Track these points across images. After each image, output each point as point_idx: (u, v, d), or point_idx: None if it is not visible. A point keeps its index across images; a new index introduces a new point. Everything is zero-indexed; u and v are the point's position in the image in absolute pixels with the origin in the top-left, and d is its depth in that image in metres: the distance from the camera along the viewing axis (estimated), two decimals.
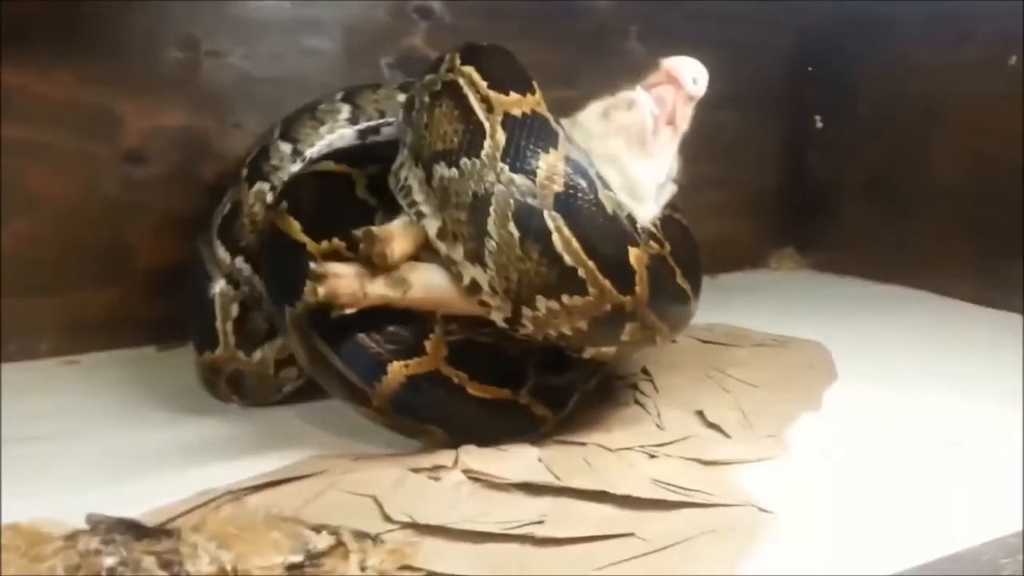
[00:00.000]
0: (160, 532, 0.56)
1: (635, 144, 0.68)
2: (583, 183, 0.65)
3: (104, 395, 0.91)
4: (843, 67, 1.35)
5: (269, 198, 0.84)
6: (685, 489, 0.63)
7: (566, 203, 0.64)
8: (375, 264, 0.64)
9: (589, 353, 0.71)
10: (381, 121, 0.88)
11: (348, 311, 0.64)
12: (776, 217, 1.46)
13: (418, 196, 0.67)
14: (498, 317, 0.67)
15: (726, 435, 0.74)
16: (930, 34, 1.21)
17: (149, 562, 0.52)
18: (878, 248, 1.32)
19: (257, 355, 0.83)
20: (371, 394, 0.68)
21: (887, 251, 1.31)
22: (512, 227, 0.63)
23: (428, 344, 0.69)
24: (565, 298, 0.65)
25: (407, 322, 0.68)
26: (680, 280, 0.73)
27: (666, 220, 0.74)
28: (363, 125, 0.88)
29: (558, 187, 0.64)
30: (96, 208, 1.03)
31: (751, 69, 1.38)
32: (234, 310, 0.83)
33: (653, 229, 0.70)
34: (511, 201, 0.63)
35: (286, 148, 0.87)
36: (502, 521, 0.59)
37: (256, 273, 0.82)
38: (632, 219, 0.68)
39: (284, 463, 0.70)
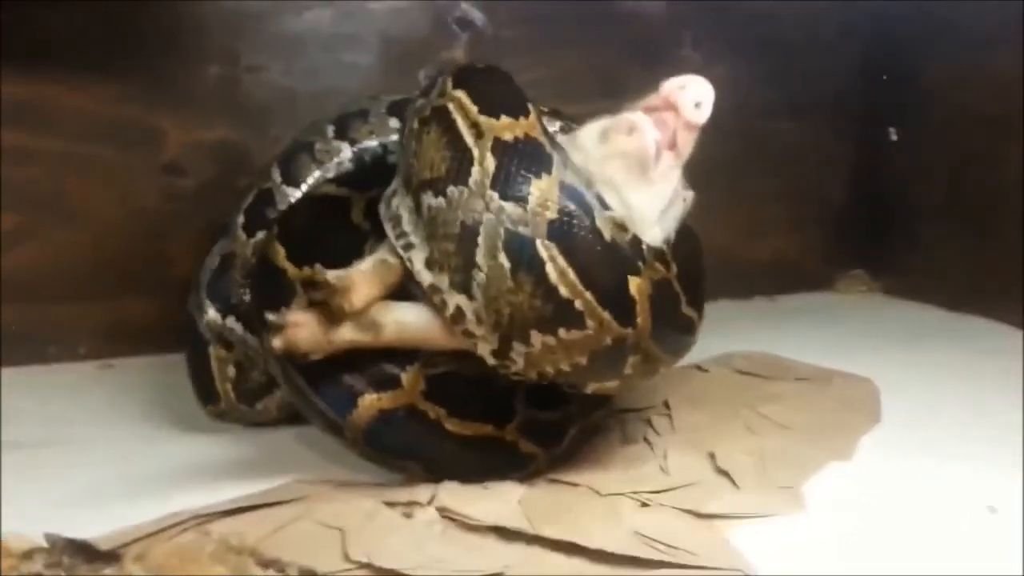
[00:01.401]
0: (111, 557, 0.55)
1: (635, 170, 0.63)
2: (579, 209, 0.60)
3: (127, 402, 0.93)
4: (919, 74, 1.24)
5: None
6: (667, 546, 0.57)
7: (560, 231, 0.60)
8: (334, 313, 0.61)
9: (591, 388, 0.67)
10: (378, 146, 0.86)
11: (313, 358, 0.62)
12: (845, 236, 1.36)
13: (407, 226, 0.64)
14: (484, 350, 0.63)
15: (735, 484, 0.68)
16: (1012, 39, 1.09)
17: None
18: (956, 273, 1.20)
19: (259, 406, 0.82)
20: (343, 426, 0.66)
21: (966, 276, 1.19)
22: (502, 258, 0.60)
23: (405, 377, 0.66)
24: (562, 332, 0.61)
25: (384, 354, 0.65)
26: (685, 308, 0.67)
27: (679, 236, 0.68)
28: (368, 159, 0.86)
29: (551, 214, 0.60)
30: (135, 219, 1.05)
31: (818, 75, 1.29)
32: (231, 371, 0.82)
33: (662, 248, 0.65)
34: (501, 230, 0.60)
35: (292, 192, 0.84)
36: (460, 570, 0.56)
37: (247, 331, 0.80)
38: (637, 241, 0.63)
39: (273, 484, 0.69)
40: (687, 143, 0.65)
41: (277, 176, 0.86)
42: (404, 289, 0.66)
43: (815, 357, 1.00)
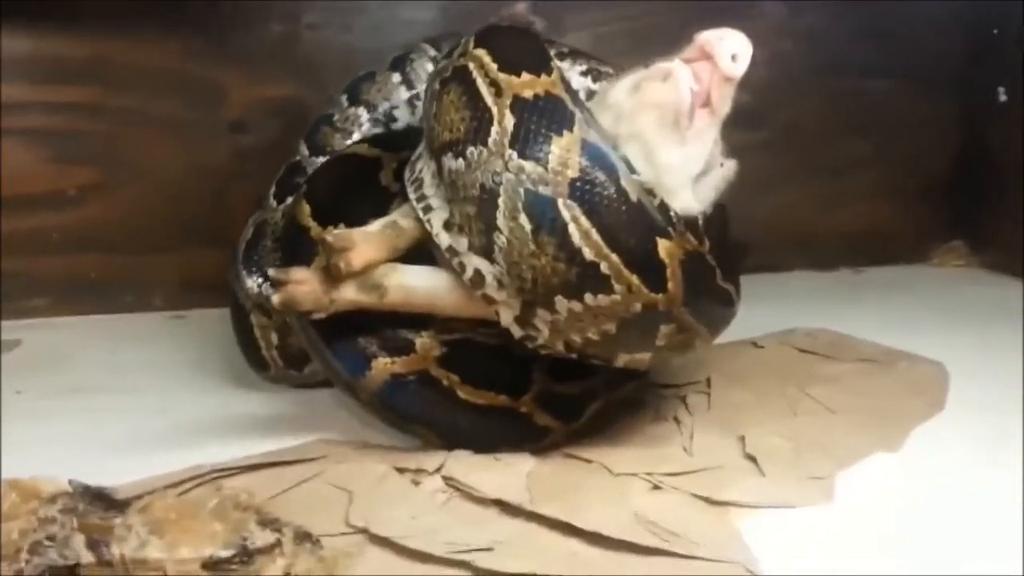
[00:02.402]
0: (125, 505, 0.57)
1: (667, 123, 0.60)
2: (602, 168, 0.58)
3: (190, 353, 0.97)
4: None
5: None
6: (668, 532, 0.54)
7: (583, 190, 0.57)
8: (334, 273, 0.60)
9: (622, 361, 0.64)
10: (390, 107, 0.85)
11: (316, 316, 0.62)
12: (943, 204, 1.25)
13: (428, 190, 0.63)
14: (507, 317, 0.61)
15: (760, 471, 0.64)
16: None
17: (79, 540, 0.53)
18: None
19: (307, 370, 0.83)
20: (357, 388, 0.66)
21: None
22: (523, 219, 0.57)
23: (419, 342, 0.65)
24: (588, 298, 0.58)
25: (401, 317, 0.65)
26: (721, 280, 0.63)
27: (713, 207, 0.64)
28: (381, 118, 0.86)
29: (573, 173, 0.57)
30: (202, 175, 1.09)
31: (918, 28, 1.18)
32: (274, 338, 0.83)
33: (694, 221, 0.62)
34: (521, 191, 0.57)
35: (320, 162, 0.85)
36: (451, 542, 0.55)
37: None
38: (665, 208, 0.59)
39: (301, 442, 0.70)
40: (722, 99, 0.61)
41: (305, 149, 0.87)
42: (428, 254, 0.65)
43: (892, 335, 0.93)
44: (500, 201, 0.58)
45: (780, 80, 1.17)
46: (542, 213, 0.57)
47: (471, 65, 0.62)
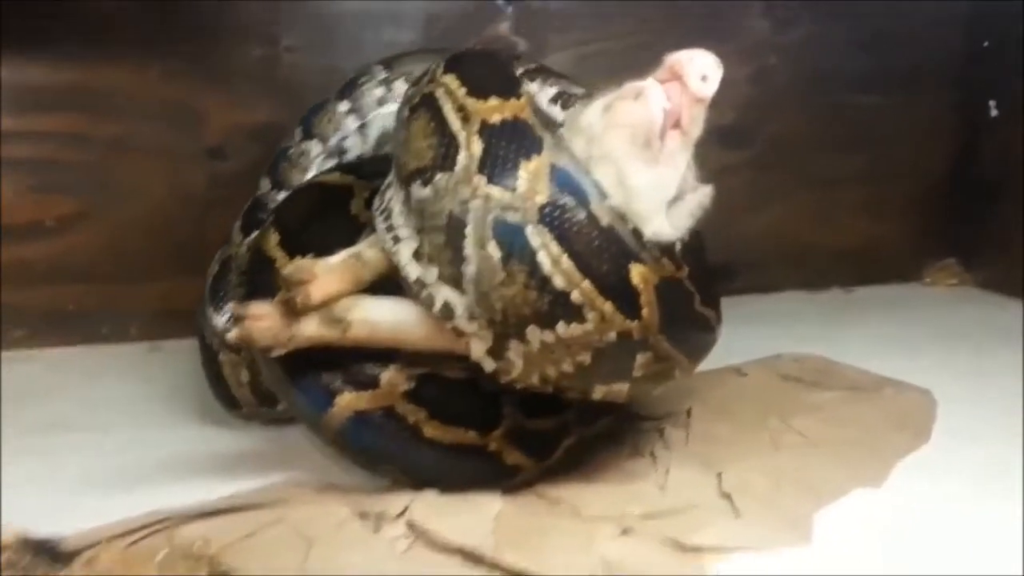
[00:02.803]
0: (72, 557, 0.56)
1: (639, 144, 0.58)
2: (572, 192, 0.56)
3: (164, 387, 0.94)
4: None
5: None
6: None
7: (552, 216, 0.56)
8: (293, 307, 0.58)
9: (599, 393, 0.62)
10: (340, 138, 0.84)
11: (276, 353, 0.60)
12: (936, 222, 1.23)
13: (397, 220, 0.62)
14: (478, 350, 0.60)
15: (735, 511, 0.62)
16: None
17: None
18: None
19: (280, 407, 0.80)
20: (320, 425, 0.64)
21: None
22: (492, 247, 0.56)
23: (385, 376, 0.63)
24: (561, 327, 0.56)
25: (366, 351, 0.62)
26: (700, 307, 0.62)
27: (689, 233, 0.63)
28: (333, 150, 0.85)
29: (542, 198, 0.56)
30: (180, 202, 1.07)
31: (911, 43, 1.16)
32: (244, 376, 0.80)
33: (671, 246, 0.60)
34: (489, 218, 0.56)
35: (267, 184, 0.85)
36: None
37: None
38: (639, 233, 0.58)
39: (267, 482, 0.68)
40: (693, 121, 0.59)
41: (266, 183, 0.86)
42: (396, 286, 0.63)
43: (882, 359, 0.92)
44: (468, 229, 0.57)
45: (765, 96, 1.16)
46: (511, 240, 0.56)
47: (439, 91, 0.61)
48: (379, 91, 0.84)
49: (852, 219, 1.22)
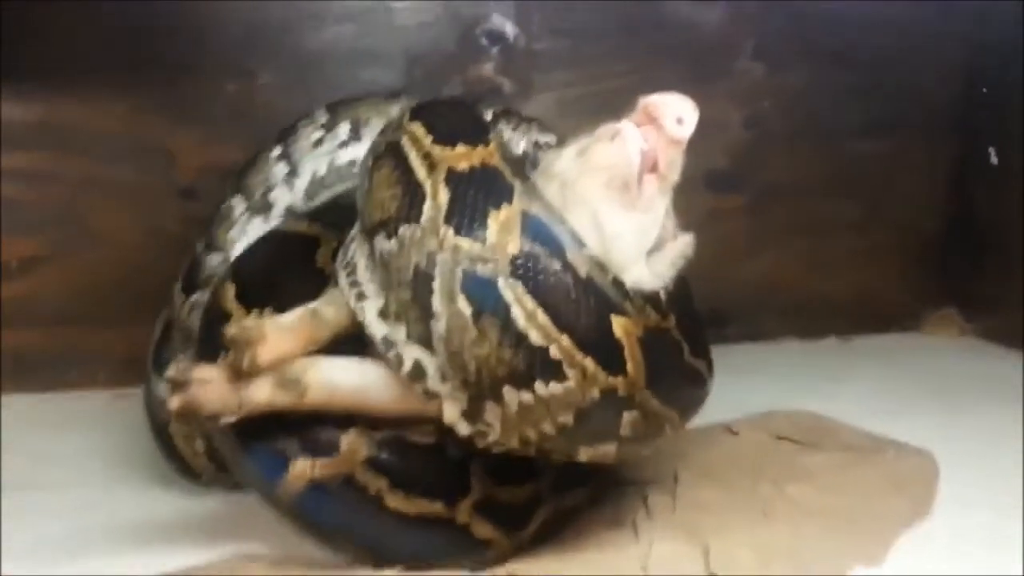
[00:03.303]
0: None
1: (616, 187, 0.55)
2: (545, 241, 0.53)
3: (125, 442, 0.90)
4: None
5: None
6: None
7: (525, 267, 0.52)
8: (241, 370, 0.54)
9: (585, 455, 0.57)
10: (264, 191, 0.79)
11: (224, 421, 0.55)
12: (935, 270, 1.19)
13: (362, 275, 0.58)
14: (452, 412, 0.55)
15: None
16: None
17: None
18: None
19: None
20: (273, 495, 0.59)
21: None
22: (462, 303, 0.52)
23: (344, 441, 0.58)
24: (539, 387, 0.52)
25: (327, 413, 0.58)
26: (689, 358, 0.58)
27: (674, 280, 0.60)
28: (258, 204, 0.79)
29: (513, 249, 0.52)
30: (154, 243, 1.03)
31: (908, 88, 1.14)
32: (200, 445, 0.74)
33: (655, 296, 0.57)
34: (458, 271, 0.52)
35: (215, 259, 0.79)
36: None
37: None
38: (619, 283, 0.55)
39: (223, 551, 0.64)
40: (670, 165, 0.57)
41: (200, 244, 0.81)
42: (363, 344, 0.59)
43: (880, 415, 0.87)
44: (436, 284, 0.53)
45: (758, 141, 1.13)
46: (482, 295, 0.52)
47: (404, 139, 0.58)
48: (316, 134, 0.79)
49: (848, 267, 1.18)
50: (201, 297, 0.75)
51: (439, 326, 0.53)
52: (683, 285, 0.62)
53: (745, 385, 1.02)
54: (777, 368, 1.10)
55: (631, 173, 0.55)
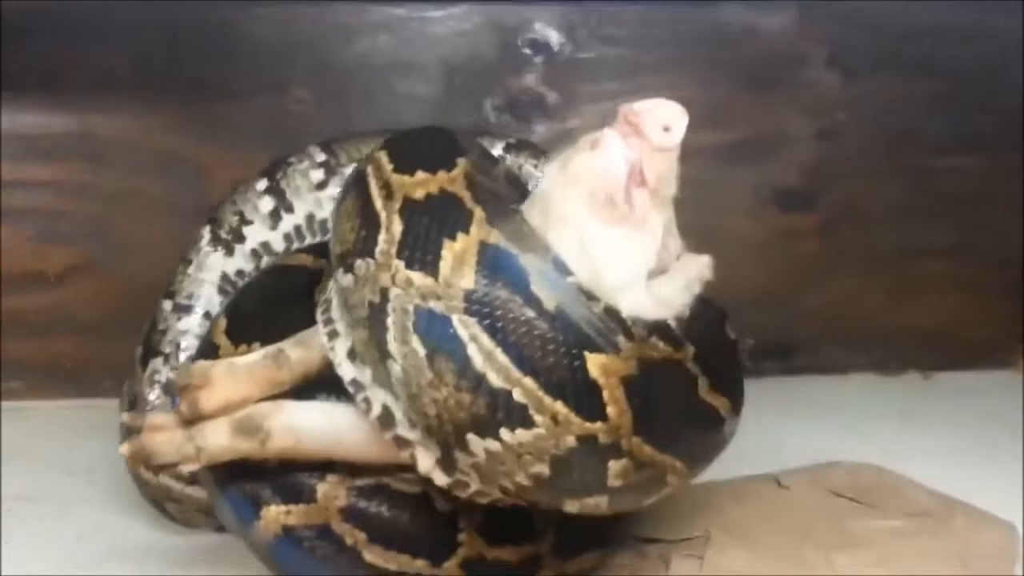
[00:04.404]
0: None
1: (600, 201, 0.50)
2: (504, 272, 0.48)
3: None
4: None
5: (163, 376, 0.73)
6: None
7: (481, 302, 0.47)
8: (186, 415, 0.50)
9: (573, 507, 0.51)
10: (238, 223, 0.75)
11: (185, 470, 0.51)
12: None
13: (335, 312, 0.54)
14: (425, 462, 0.50)
15: None
16: None
17: None
18: None
19: None
20: (248, 538, 0.55)
21: None
22: (416, 343, 0.47)
23: (321, 488, 0.53)
24: (505, 434, 0.47)
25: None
26: (706, 393, 0.52)
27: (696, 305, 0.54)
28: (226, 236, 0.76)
29: (467, 283, 0.47)
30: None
31: (997, 99, 1.02)
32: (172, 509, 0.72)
33: (662, 324, 0.51)
34: (410, 307, 0.48)
35: (167, 306, 0.77)
36: None
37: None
38: (611, 313, 0.49)
39: None
40: (660, 176, 0.51)
41: (166, 304, 0.78)
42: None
43: (960, 466, 0.79)
44: (389, 321, 0.48)
45: (833, 156, 1.04)
46: (436, 334, 0.47)
47: (368, 168, 0.54)
48: (314, 174, 0.75)
49: (932, 295, 1.07)
50: (155, 364, 0.73)
51: (395, 368, 0.48)
52: (709, 310, 0.56)
53: (808, 424, 0.95)
54: (847, 406, 1.01)
55: (615, 185, 0.50)
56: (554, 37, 0.98)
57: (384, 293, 0.48)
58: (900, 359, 1.08)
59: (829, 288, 1.07)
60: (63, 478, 0.84)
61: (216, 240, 0.76)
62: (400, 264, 0.48)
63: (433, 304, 0.47)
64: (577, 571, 0.58)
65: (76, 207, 0.99)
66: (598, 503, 0.51)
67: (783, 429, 0.92)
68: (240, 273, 0.76)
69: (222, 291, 0.74)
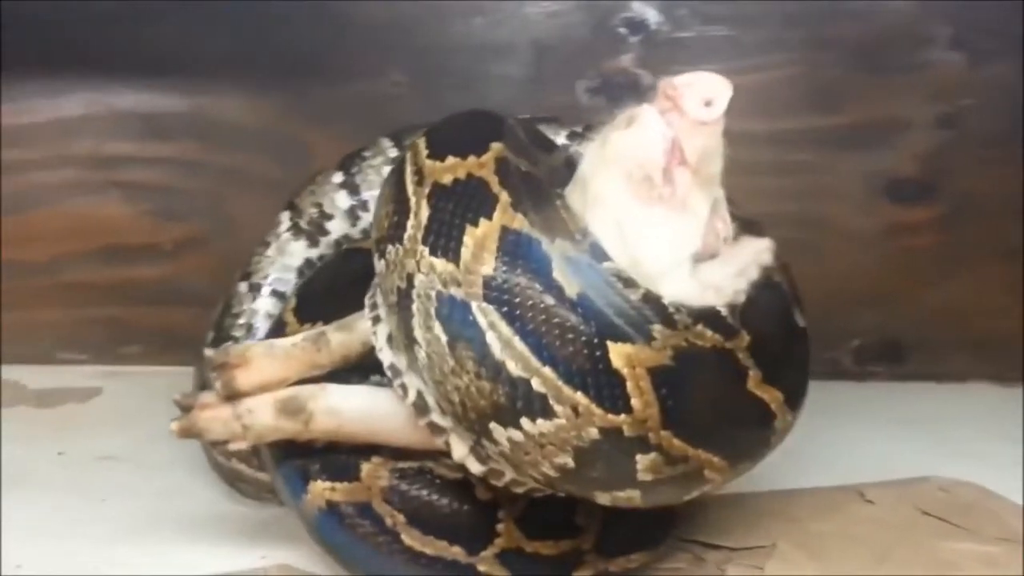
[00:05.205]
0: None
1: (637, 180, 0.48)
2: (524, 258, 0.46)
3: None
4: None
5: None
6: None
7: (500, 289, 0.46)
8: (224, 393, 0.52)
9: (604, 499, 0.50)
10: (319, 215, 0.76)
11: (234, 447, 0.53)
12: None
13: (379, 297, 0.54)
14: (460, 450, 0.50)
15: None
16: None
17: None
18: None
19: None
20: (297, 512, 0.57)
21: None
22: (438, 329, 0.47)
23: (365, 468, 0.54)
24: (527, 424, 0.46)
25: None
26: (755, 385, 0.50)
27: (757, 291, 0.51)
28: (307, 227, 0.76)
29: (487, 269, 0.46)
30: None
31: None
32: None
33: (711, 311, 0.49)
34: (432, 294, 0.47)
35: (243, 287, 0.78)
36: None
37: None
38: (651, 299, 0.47)
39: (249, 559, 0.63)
40: (701, 153, 0.48)
41: (237, 276, 0.79)
42: None
43: None
44: (414, 307, 0.48)
45: (956, 144, 0.96)
46: (457, 321, 0.47)
47: (408, 154, 0.53)
48: (386, 169, 0.75)
49: None
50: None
51: (421, 354, 0.48)
52: (774, 297, 0.53)
53: (910, 434, 0.88)
54: (959, 416, 0.93)
55: (653, 163, 0.47)
56: (652, 16, 0.95)
57: (410, 279, 0.48)
58: (1020, 368, 0.98)
59: (945, 287, 0.99)
60: (150, 442, 0.87)
61: (297, 230, 0.78)
62: (425, 250, 0.48)
63: (454, 291, 0.46)
64: (622, 570, 0.56)
65: (189, 184, 1.04)
66: (630, 496, 0.49)
67: (879, 438, 0.86)
68: (322, 258, 0.78)
69: (300, 274, 0.76)
